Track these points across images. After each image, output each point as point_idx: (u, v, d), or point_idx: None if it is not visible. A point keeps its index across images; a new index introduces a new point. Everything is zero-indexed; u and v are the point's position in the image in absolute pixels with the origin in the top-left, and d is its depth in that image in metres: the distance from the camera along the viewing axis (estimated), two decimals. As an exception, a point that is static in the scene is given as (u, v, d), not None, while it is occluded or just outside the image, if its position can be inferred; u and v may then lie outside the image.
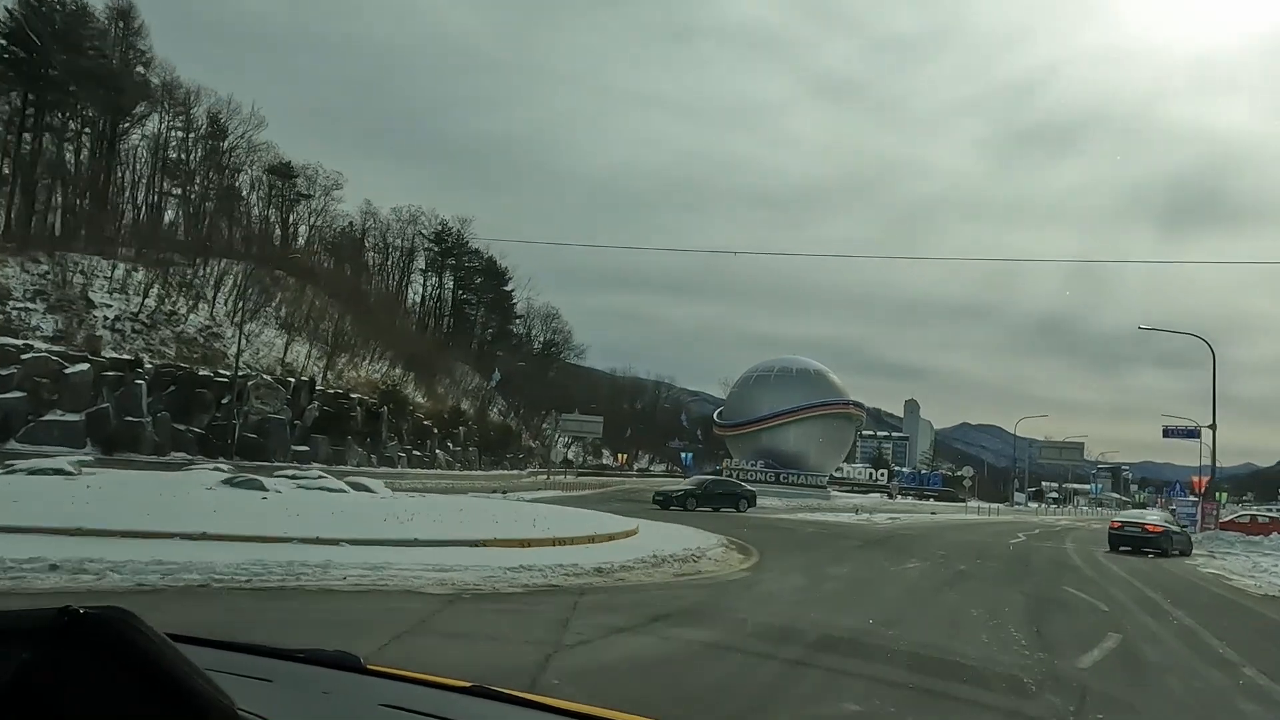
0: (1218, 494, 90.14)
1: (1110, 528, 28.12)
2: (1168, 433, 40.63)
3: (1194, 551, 27.25)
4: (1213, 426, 37.01)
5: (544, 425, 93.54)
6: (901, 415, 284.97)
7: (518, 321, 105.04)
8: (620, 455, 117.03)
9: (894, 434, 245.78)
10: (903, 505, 57.99)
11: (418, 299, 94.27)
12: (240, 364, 41.67)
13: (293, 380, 43.71)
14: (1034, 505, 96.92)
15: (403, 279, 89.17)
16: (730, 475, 57.22)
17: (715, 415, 64.00)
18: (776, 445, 56.43)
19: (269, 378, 41.82)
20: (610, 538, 16.54)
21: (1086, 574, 18.04)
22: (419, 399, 66.86)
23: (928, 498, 79.76)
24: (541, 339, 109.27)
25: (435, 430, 60.50)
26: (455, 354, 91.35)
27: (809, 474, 55.84)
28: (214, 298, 44.62)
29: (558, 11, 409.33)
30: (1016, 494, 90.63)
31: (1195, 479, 72.96)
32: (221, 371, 39.93)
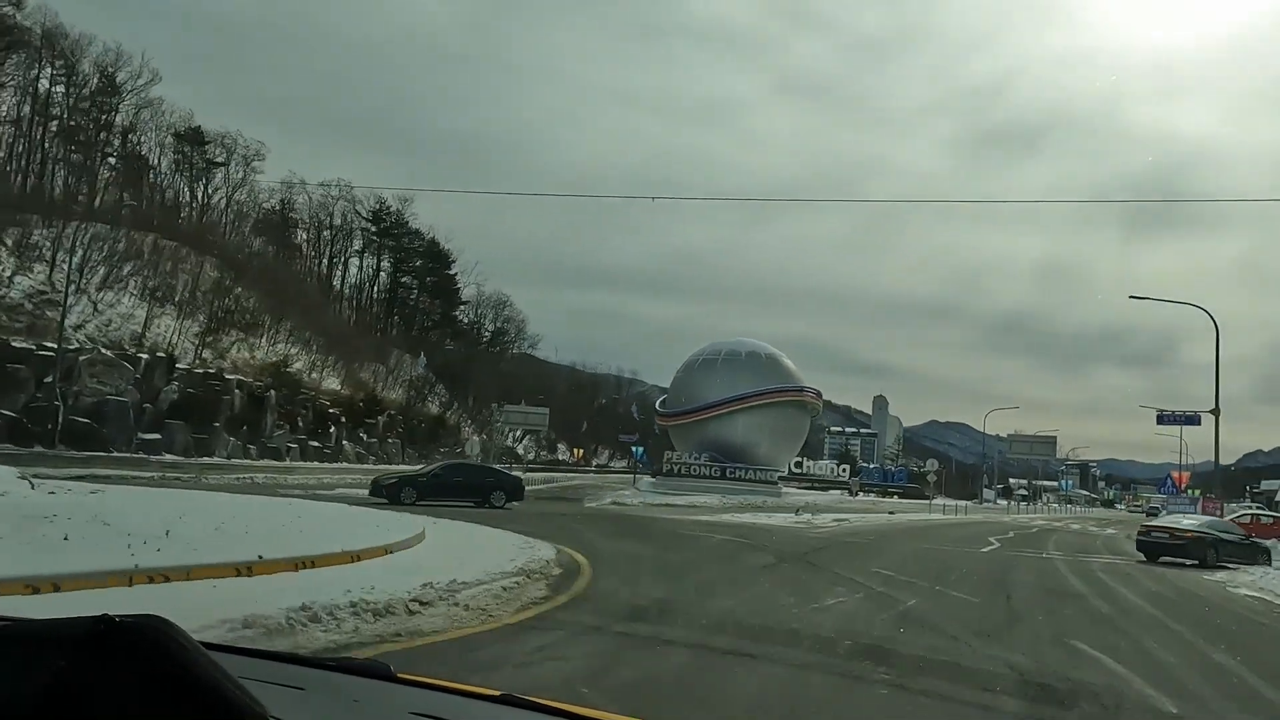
0: (1190, 490, 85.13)
1: (1138, 534, 22.91)
2: (1162, 419, 34.83)
3: (1217, 562, 21.19)
4: (1216, 411, 31.26)
5: (490, 417, 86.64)
6: (871, 414, 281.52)
7: (463, 308, 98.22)
8: (576, 450, 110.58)
9: (862, 430, 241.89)
10: (859, 504, 51.95)
11: (355, 282, 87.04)
12: (79, 337, 34.79)
13: (145, 357, 36.77)
14: (1003, 503, 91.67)
15: (334, 259, 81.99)
16: (674, 469, 51.06)
17: (658, 404, 57.67)
18: (723, 436, 50.19)
19: (108, 352, 34.86)
20: (356, 558, 10.19)
21: (1099, 609, 11.91)
22: (334, 385, 60.05)
23: (891, 495, 73.98)
24: (490, 327, 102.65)
25: (344, 419, 53.72)
26: (394, 340, 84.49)
27: (759, 468, 49.65)
28: (56, 261, 37.46)
29: (528, 8, 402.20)
30: (985, 491, 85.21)
31: (1176, 474, 67.75)
32: (47, 345, 32.95)
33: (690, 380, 52.47)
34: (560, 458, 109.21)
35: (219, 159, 68.57)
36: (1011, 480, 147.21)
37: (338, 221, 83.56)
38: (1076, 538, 33.77)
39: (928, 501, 75.81)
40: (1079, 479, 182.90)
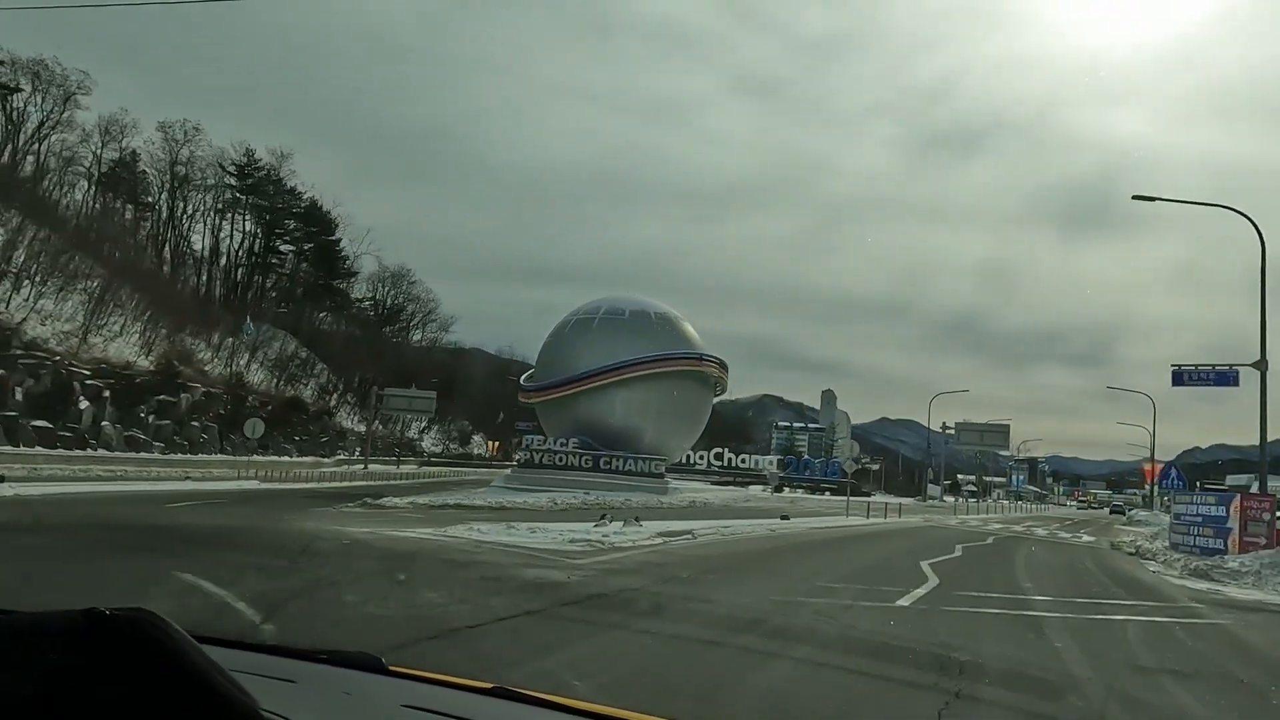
0: (1154, 489, 75.70)
1: None
2: (1184, 378, 24.13)
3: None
4: (1262, 365, 20.74)
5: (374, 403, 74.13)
6: (820, 409, 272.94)
7: (352, 280, 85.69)
8: (492, 443, 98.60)
9: (810, 425, 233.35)
10: (767, 503, 40.79)
11: (215, 245, 73.96)
12: None
13: None
14: (950, 500, 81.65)
15: (172, 215, 68.96)
16: (536, 459, 39.64)
17: (522, 378, 46.18)
18: (598, 417, 38.83)
19: None
20: None
21: None
22: (135, 357, 47.53)
23: (823, 491, 63.46)
24: (386, 303, 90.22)
25: (106, 394, 41.22)
26: (259, 312, 71.76)
27: (643, 458, 38.36)
28: None
29: (479, 2, 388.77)
30: (931, 486, 75.09)
31: (1147, 468, 58.01)
32: None
33: (560, 347, 41.00)
34: (476, 451, 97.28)
35: (12, 84, 55.42)
36: (960, 476, 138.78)
37: (193, 175, 70.47)
38: (1053, 553, 23.01)
39: (867, 498, 65.30)
40: (1028, 475, 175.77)
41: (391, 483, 45.05)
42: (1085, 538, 31.80)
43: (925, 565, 14.65)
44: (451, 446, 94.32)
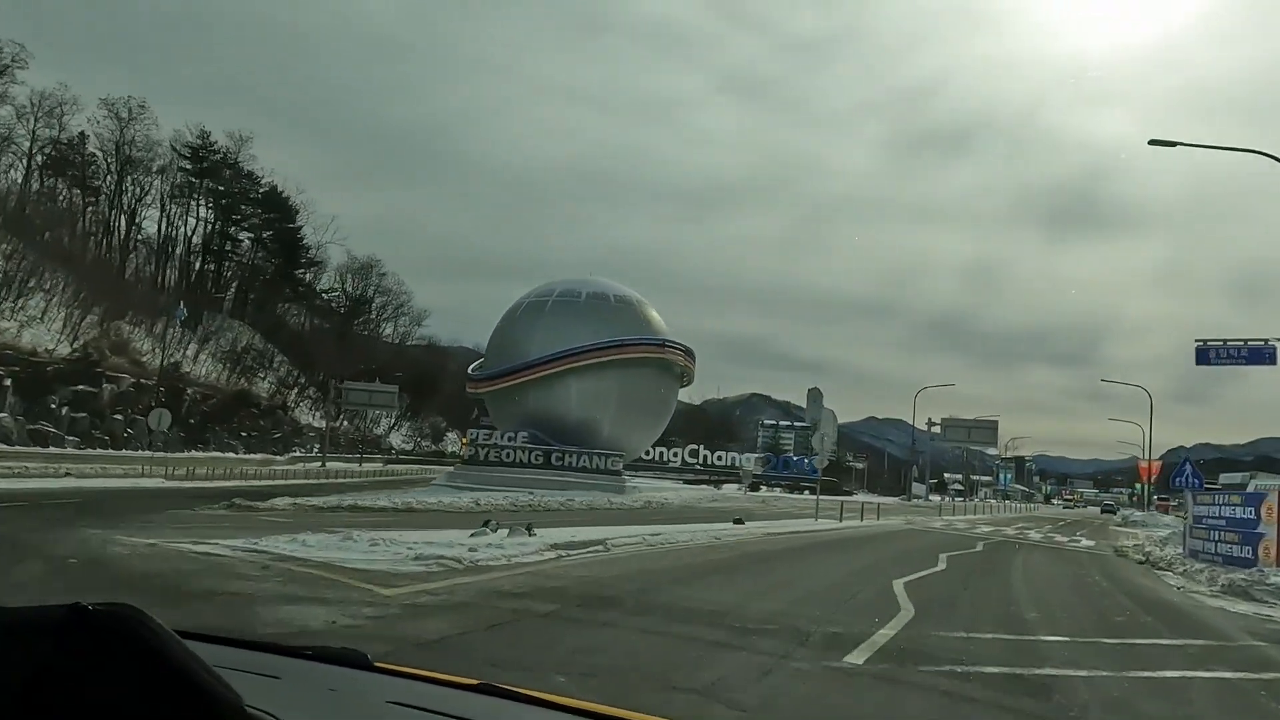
0: (1143, 487, 72.69)
1: None
2: (1210, 356, 20.73)
3: None
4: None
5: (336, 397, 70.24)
6: (806, 407, 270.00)
7: (312, 271, 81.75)
8: (465, 440, 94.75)
9: (796, 423, 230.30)
10: (735, 503, 37.26)
11: (170, 231, 69.92)
12: None
13: None
14: (936, 499, 78.37)
15: (118, 196, 64.93)
16: (482, 454, 36.08)
17: (470, 368, 42.57)
18: (550, 408, 35.29)
19: None
20: None
21: None
22: (59, 347, 43.72)
23: (803, 489, 59.96)
24: (351, 295, 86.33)
25: (31, 389, 37.41)
26: (212, 301, 67.97)
27: (599, 453, 34.85)
28: None
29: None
30: (915, 485, 71.79)
31: (1142, 465, 54.84)
32: None
33: (511, 332, 37.39)
34: (451, 449, 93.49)
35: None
36: (947, 475, 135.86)
37: (141, 157, 66.41)
38: (1053, 562, 19.61)
39: (847, 497, 61.90)
40: (1015, 474, 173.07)
41: (333, 480, 41.42)
42: (1084, 541, 28.49)
43: (899, 586, 11.17)
44: (424, 444, 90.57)
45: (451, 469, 37.10)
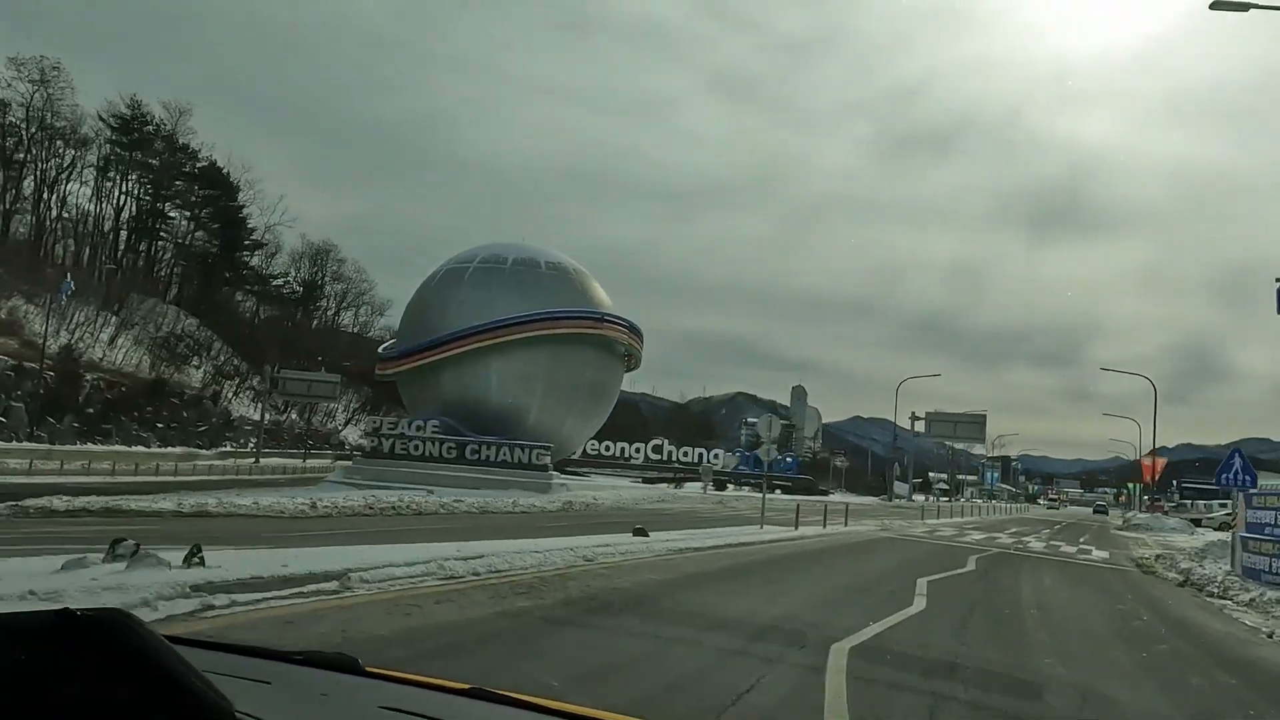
0: (1135, 486, 67.72)
1: None
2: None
3: None
4: None
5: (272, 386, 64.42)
6: (790, 404, 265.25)
7: (257, 254, 75.98)
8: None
9: (781, 421, 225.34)
10: (676, 505, 31.78)
11: (95, 208, 64.01)
12: None
13: None
14: (920, 499, 73.28)
15: (22, 167, 58.95)
16: (387, 446, 30.67)
17: (381, 347, 37.08)
18: (469, 392, 29.91)
19: None
20: None
21: None
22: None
23: (775, 489, 54.82)
24: (301, 279, 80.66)
25: None
26: (135, 284, 62.22)
27: (522, 445, 29.46)
28: None
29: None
30: (898, 484, 66.68)
31: (1145, 463, 49.88)
32: None
33: (426, 305, 31.95)
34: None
35: None
36: (932, 475, 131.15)
37: (59, 124, 60.54)
38: (1074, 585, 14.32)
39: (824, 496, 56.67)
40: (1001, 473, 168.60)
41: (237, 477, 36.02)
42: (1095, 552, 23.34)
43: (839, 660, 5.89)
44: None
45: (350, 464, 31.57)
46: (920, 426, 64.94)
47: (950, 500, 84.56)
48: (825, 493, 58.08)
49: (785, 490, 54.65)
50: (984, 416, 62.28)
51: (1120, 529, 45.28)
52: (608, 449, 58.90)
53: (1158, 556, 22.58)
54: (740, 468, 59.10)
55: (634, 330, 33.45)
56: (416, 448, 29.06)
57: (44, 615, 0.79)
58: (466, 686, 1.32)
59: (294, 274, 79.59)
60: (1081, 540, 30.73)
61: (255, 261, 76.11)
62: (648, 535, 13.68)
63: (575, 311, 30.46)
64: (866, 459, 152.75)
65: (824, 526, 22.53)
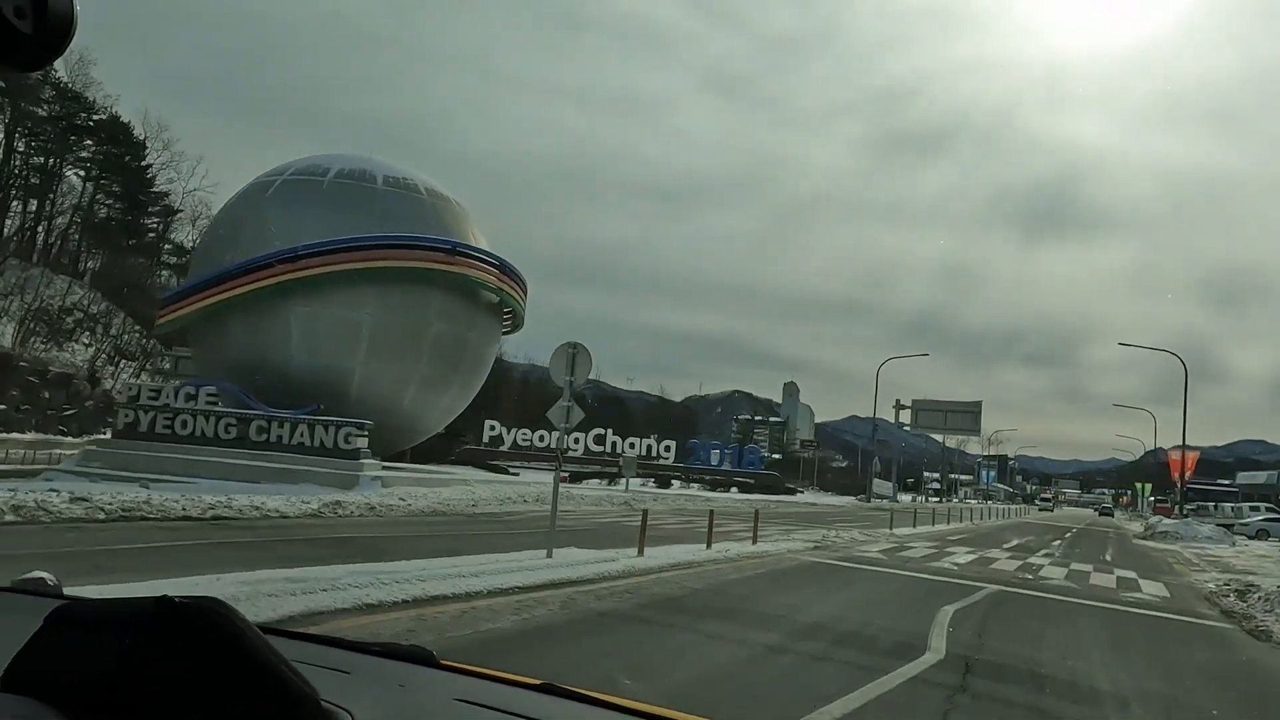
0: (1140, 487, 59.09)
1: None
2: None
3: None
4: None
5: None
6: (781, 402, 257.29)
7: (168, 221, 67.35)
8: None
9: (771, 418, 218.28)
10: (568, 505, 22.85)
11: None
12: None
13: None
14: (907, 499, 64.64)
15: None
16: (147, 421, 22.24)
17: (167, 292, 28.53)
18: (265, 348, 21.45)
19: None
20: None
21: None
22: None
23: (731, 487, 46.22)
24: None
25: None
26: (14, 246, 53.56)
27: (328, 423, 20.90)
28: None
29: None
30: (879, 482, 58.01)
31: (1174, 458, 41.39)
32: None
33: (217, 235, 23.49)
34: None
35: None
36: (927, 474, 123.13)
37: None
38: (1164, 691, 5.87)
39: (791, 495, 48.14)
40: (998, 472, 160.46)
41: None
42: (1145, 587, 14.83)
43: None
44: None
45: (94, 447, 22.97)
46: (906, 418, 56.43)
47: (942, 501, 75.86)
48: (793, 492, 49.68)
49: (745, 489, 46.15)
50: (978, 405, 53.78)
51: (1143, 538, 36.81)
52: (542, 439, 50.44)
53: (1237, 591, 14.21)
54: (694, 462, 50.46)
55: (512, 276, 24.89)
56: (185, 424, 20.58)
57: (146, 602, 0.82)
58: (539, 682, 1.30)
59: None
60: (1106, 557, 22.23)
61: (181, 236, 67.58)
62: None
63: (410, 238, 21.87)
64: (857, 457, 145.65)
65: (753, 543, 14.18)
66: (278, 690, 0.82)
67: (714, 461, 50.23)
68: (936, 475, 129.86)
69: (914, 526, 26.01)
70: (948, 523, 32.79)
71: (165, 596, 0.83)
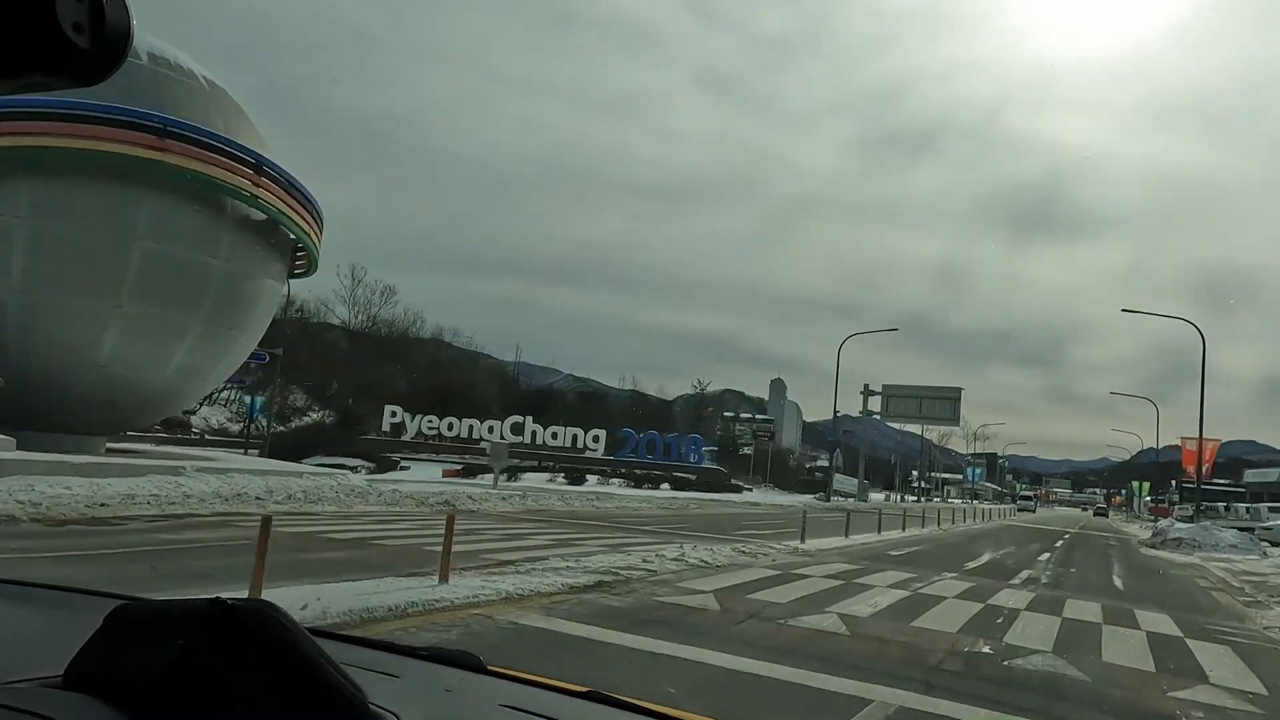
0: (1134, 486, 52.41)
1: None
2: None
3: None
4: None
5: None
6: (768, 399, 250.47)
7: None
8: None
9: (757, 415, 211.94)
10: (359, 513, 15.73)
11: None
12: None
13: None
14: (879, 497, 57.59)
15: None
16: None
17: None
18: None
19: None
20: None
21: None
22: None
23: (663, 483, 38.99)
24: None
25: None
26: None
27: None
28: None
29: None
30: (840, 479, 50.95)
31: (1189, 449, 34.38)
32: None
33: None
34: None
35: None
36: (915, 473, 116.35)
37: None
38: None
39: (735, 494, 41.13)
40: (986, 471, 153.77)
41: None
42: (1209, 664, 7.66)
43: None
44: (231, 424, 69.49)
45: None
46: (875, 405, 49.28)
47: (920, 501, 68.90)
48: (737, 489, 42.60)
49: (681, 486, 38.99)
50: (958, 392, 46.76)
51: (1152, 546, 29.82)
52: (451, 428, 43.33)
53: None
54: (625, 454, 43.27)
55: (292, 192, 17.68)
56: None
57: (200, 603, 0.83)
58: (584, 690, 1.30)
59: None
60: (1116, 582, 15.21)
61: None
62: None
63: (93, 108, 14.67)
64: (854, 458, 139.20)
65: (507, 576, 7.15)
66: (327, 693, 0.82)
67: (653, 455, 43.07)
68: (939, 475, 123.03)
69: (847, 536, 18.90)
70: (904, 529, 25.70)
71: (219, 598, 0.83)
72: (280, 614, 0.85)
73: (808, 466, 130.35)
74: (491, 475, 32.11)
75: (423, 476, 33.01)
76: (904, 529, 25.81)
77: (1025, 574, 14.83)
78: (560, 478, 35.64)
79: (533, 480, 34.09)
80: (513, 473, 34.37)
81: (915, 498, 77.57)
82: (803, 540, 15.50)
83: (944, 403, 46.32)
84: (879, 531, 22.13)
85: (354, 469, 39.59)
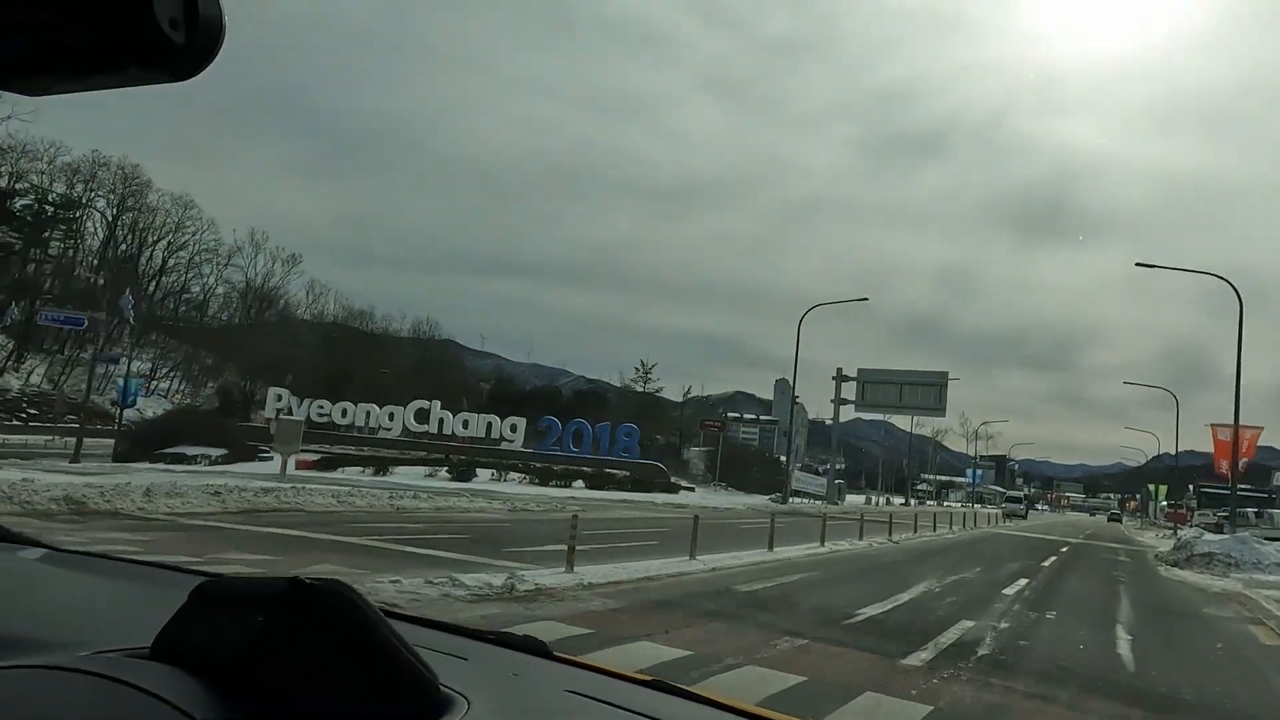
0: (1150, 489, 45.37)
1: None
2: None
3: None
4: None
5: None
6: (773, 399, 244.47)
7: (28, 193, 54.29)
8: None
9: (761, 417, 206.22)
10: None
11: None
12: None
13: None
14: (856, 500, 50.76)
15: None
16: None
17: None
18: None
19: None
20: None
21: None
22: None
23: (577, 480, 32.27)
24: (56, 205, 58.91)
25: None
26: None
27: None
28: None
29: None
30: (801, 477, 44.09)
31: (1222, 439, 27.26)
32: None
33: None
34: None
35: None
36: (923, 476, 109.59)
37: None
38: None
39: (652, 496, 34.35)
40: (995, 474, 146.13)
41: None
42: None
43: None
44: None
45: None
46: (849, 393, 42.29)
47: (908, 504, 61.91)
48: (675, 489, 35.87)
49: (607, 484, 32.33)
50: (944, 376, 39.89)
51: (1173, 563, 22.87)
52: (345, 414, 36.92)
53: None
54: (547, 446, 36.58)
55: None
56: None
57: (279, 582, 0.85)
58: (649, 678, 1.29)
59: (42, 197, 57.87)
60: (1118, 645, 8.36)
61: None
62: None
63: None
64: (860, 460, 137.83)
65: None
66: (399, 673, 0.84)
67: (579, 447, 36.40)
68: (933, 477, 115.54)
69: (771, 549, 12.36)
70: (861, 538, 19.11)
71: (296, 577, 0.84)
72: (355, 595, 0.85)
73: (802, 466, 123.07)
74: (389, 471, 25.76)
75: (275, 469, 26.85)
76: (861, 538, 19.22)
77: (950, 636, 8.04)
78: (443, 471, 29.11)
79: (407, 475, 27.60)
80: (332, 463, 28.18)
81: (907, 501, 70.51)
82: (569, 569, 8.81)
83: (928, 390, 39.29)
84: (821, 542, 15.62)
85: (195, 459, 33.36)
